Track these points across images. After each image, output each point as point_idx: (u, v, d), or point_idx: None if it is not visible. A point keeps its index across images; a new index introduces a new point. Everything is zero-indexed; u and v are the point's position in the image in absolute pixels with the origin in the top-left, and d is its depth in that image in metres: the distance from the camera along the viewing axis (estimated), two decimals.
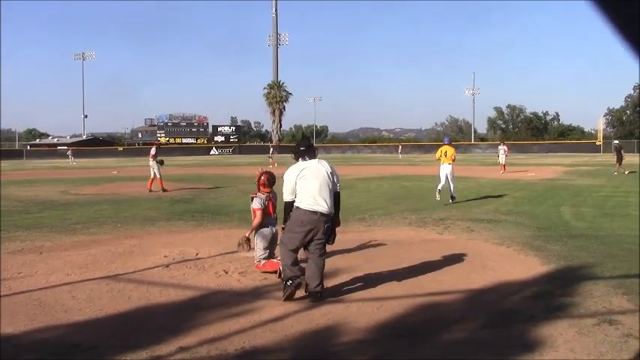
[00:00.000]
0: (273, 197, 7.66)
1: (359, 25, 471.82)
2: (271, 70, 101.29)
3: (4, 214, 14.11)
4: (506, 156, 30.55)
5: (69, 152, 63.78)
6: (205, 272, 7.42)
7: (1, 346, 4.84)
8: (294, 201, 6.14)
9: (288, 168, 6.37)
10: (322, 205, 6.02)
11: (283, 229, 6.42)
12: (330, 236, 6.24)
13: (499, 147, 31.78)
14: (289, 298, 6.02)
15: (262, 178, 7.64)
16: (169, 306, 6.02)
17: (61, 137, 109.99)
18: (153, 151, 21.15)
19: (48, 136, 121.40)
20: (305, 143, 6.59)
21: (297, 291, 6.10)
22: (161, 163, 20.68)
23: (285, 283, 6.09)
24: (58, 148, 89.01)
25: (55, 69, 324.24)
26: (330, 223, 6.13)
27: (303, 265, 6.36)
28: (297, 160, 6.33)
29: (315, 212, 6.00)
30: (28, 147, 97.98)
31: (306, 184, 6.08)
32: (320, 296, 6.06)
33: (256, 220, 7.37)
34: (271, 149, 49.48)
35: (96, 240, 10.09)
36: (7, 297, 6.29)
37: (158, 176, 20.50)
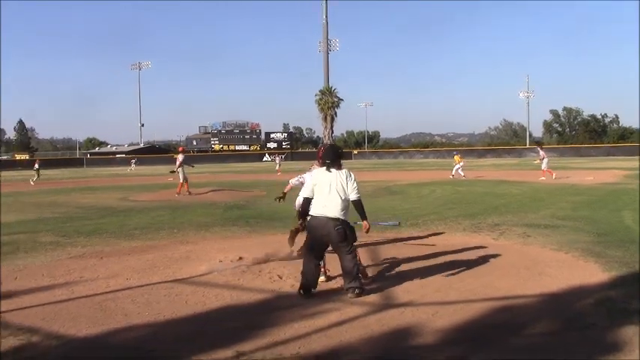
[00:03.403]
0: None
1: (408, 29, 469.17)
2: (322, 76, 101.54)
3: (67, 220, 14.60)
4: (542, 160, 28.21)
5: (133, 161, 66.07)
6: (260, 277, 7.49)
7: (64, 347, 5.01)
8: (308, 198, 6.74)
9: (313, 170, 7.09)
10: (329, 210, 6.53)
11: (300, 224, 7.04)
12: (347, 238, 6.55)
13: (540, 151, 29.08)
14: (300, 289, 6.61)
15: (320, 151, 7.51)
16: (225, 310, 6.10)
17: (119, 145, 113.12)
18: (181, 157, 22.75)
19: (107, 144, 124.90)
20: (329, 156, 6.84)
21: (305, 287, 6.58)
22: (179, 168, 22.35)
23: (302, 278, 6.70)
24: (117, 155, 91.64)
25: (113, 78, 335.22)
26: (340, 226, 6.49)
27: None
28: (322, 166, 6.83)
29: (322, 217, 6.55)
30: (88, 155, 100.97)
31: (318, 193, 6.68)
32: (356, 292, 6.41)
33: (287, 187, 8.53)
34: (277, 158, 51.62)
35: (153, 245, 10.33)
36: (70, 301, 6.50)
37: (180, 180, 22.18)
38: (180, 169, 22.12)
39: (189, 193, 21.75)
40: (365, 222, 6.75)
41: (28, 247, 10.31)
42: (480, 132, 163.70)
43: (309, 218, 6.74)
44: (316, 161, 7.71)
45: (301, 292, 6.61)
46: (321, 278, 7.20)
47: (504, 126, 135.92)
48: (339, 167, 6.76)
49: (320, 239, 6.62)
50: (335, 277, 7.25)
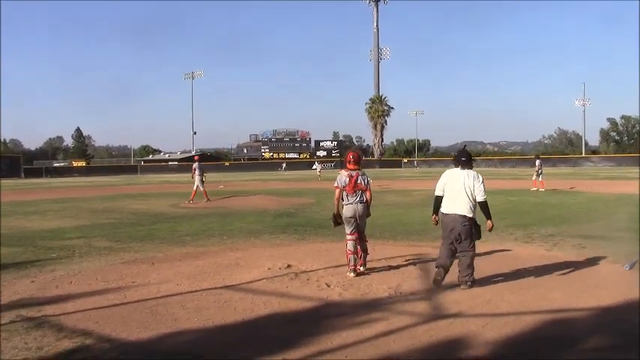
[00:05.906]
0: (357, 175, 7.99)
1: (460, 35, 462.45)
2: (373, 84, 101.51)
3: (121, 225, 14.96)
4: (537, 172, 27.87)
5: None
6: (308, 285, 7.50)
7: (116, 351, 5.11)
8: (441, 196, 7.27)
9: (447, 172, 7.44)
10: (458, 208, 7.06)
11: (435, 218, 7.40)
12: (472, 234, 7.13)
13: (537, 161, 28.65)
14: (434, 283, 7.07)
15: (348, 155, 8.21)
16: (273, 317, 6.12)
17: (172, 153, 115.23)
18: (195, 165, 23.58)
19: (160, 152, 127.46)
20: (463, 155, 7.38)
21: (441, 278, 7.03)
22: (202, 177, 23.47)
23: (437, 268, 7.18)
24: (169, 163, 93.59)
25: (166, 87, 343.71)
26: (467, 223, 7.04)
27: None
28: (456, 166, 7.34)
29: (452, 214, 7.09)
30: (142, 162, 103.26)
31: (448, 191, 7.20)
32: (469, 284, 7.05)
33: (334, 197, 8.16)
34: (318, 165, 52.79)
35: (204, 252, 10.46)
36: (122, 305, 6.64)
37: (202, 188, 23.22)
38: (196, 177, 23.26)
39: (208, 200, 22.84)
40: (489, 222, 7.24)
41: (83, 251, 10.60)
42: (534, 140, 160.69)
43: (440, 214, 7.26)
44: (344, 169, 8.15)
45: (433, 283, 7.07)
46: (350, 275, 7.79)
47: (559, 135, 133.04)
48: (470, 167, 7.30)
49: (449, 234, 7.12)
50: (367, 274, 7.90)
